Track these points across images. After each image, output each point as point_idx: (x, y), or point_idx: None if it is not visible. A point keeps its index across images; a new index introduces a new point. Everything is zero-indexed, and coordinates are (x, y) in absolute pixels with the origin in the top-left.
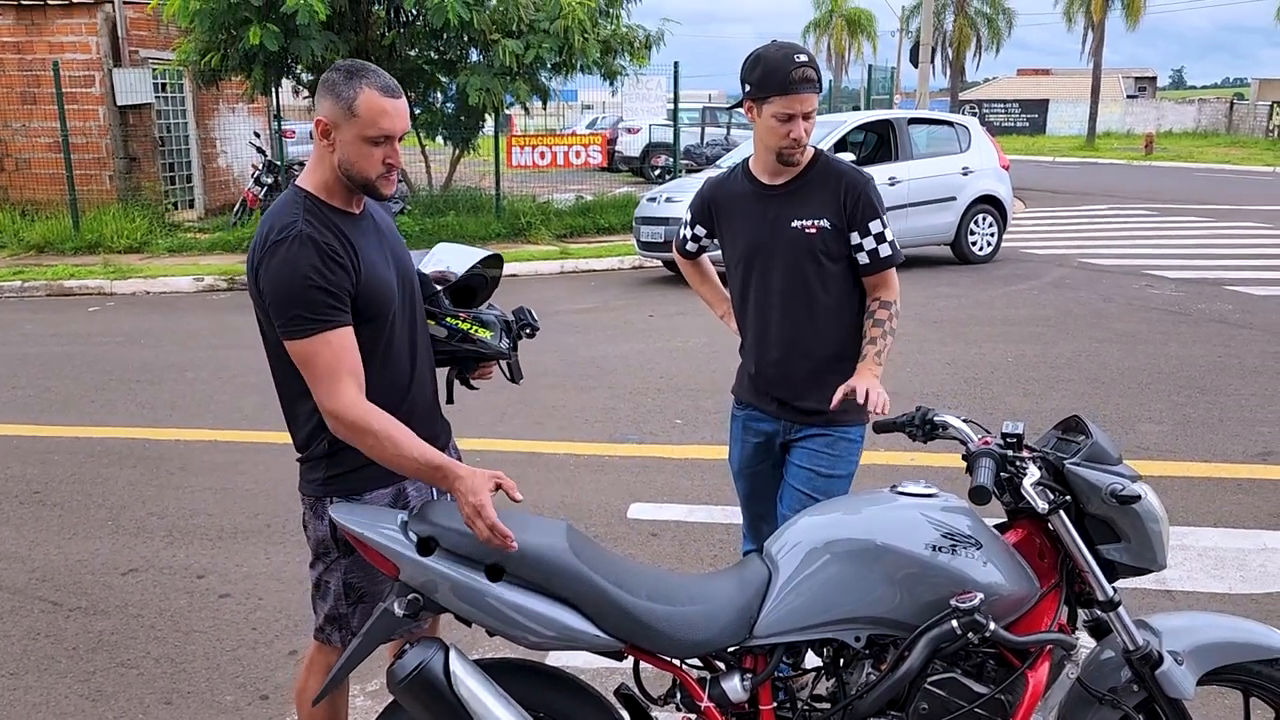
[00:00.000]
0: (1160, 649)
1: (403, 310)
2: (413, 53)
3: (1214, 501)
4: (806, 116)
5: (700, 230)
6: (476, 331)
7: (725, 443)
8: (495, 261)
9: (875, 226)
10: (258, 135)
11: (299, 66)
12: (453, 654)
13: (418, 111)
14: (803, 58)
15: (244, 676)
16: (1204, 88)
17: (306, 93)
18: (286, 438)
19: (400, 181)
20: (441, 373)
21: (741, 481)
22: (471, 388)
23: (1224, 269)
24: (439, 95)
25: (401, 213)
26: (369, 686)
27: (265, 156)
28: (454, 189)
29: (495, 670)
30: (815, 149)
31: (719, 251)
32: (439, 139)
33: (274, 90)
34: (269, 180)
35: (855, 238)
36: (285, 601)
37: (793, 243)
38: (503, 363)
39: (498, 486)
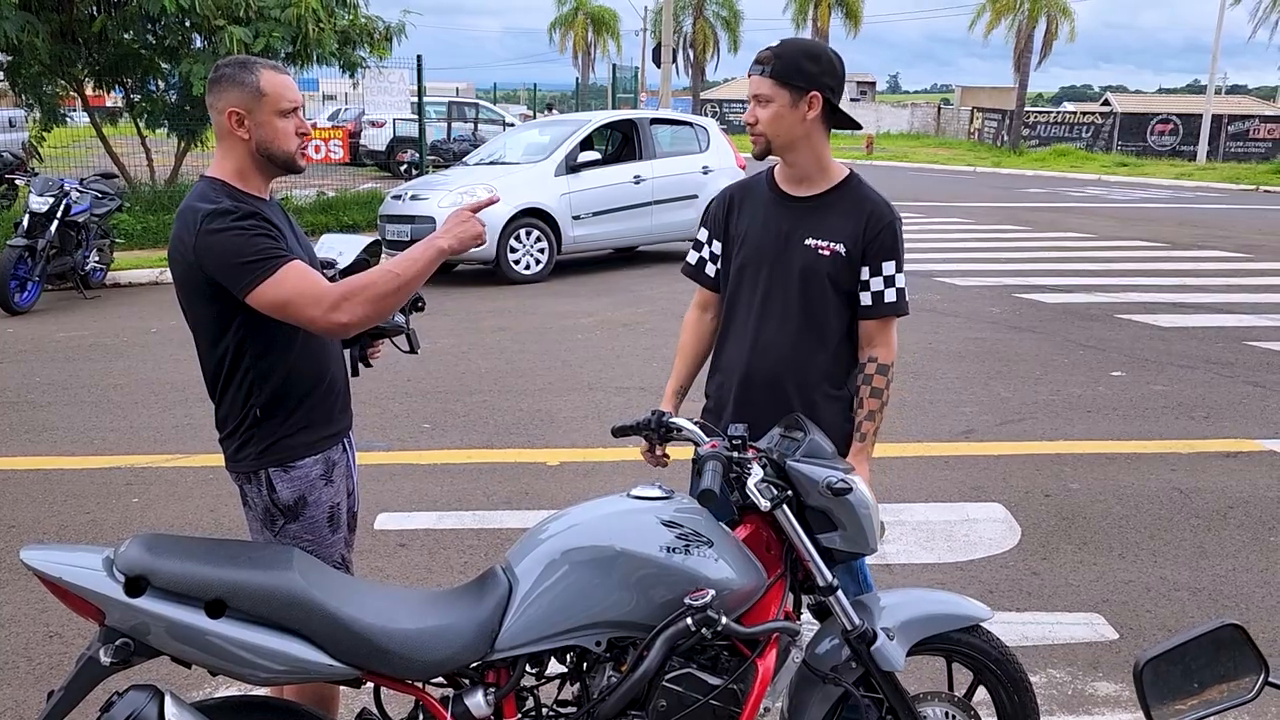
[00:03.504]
0: (874, 627)
1: None
2: (127, 36)
3: (925, 478)
4: (758, 101)
5: (718, 245)
6: None
7: (477, 445)
8: (375, 247)
9: (889, 268)
10: None
11: None
12: (168, 700)
13: (136, 99)
14: (774, 44)
15: None
16: (916, 93)
17: (1, 75)
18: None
19: (115, 177)
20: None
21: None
22: (369, 365)
23: (933, 261)
24: (160, 83)
25: (119, 209)
26: None
27: None
28: (181, 184)
29: (219, 711)
30: (850, 170)
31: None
32: (162, 130)
33: None
34: None
35: (865, 273)
36: None
37: (802, 261)
38: (398, 337)
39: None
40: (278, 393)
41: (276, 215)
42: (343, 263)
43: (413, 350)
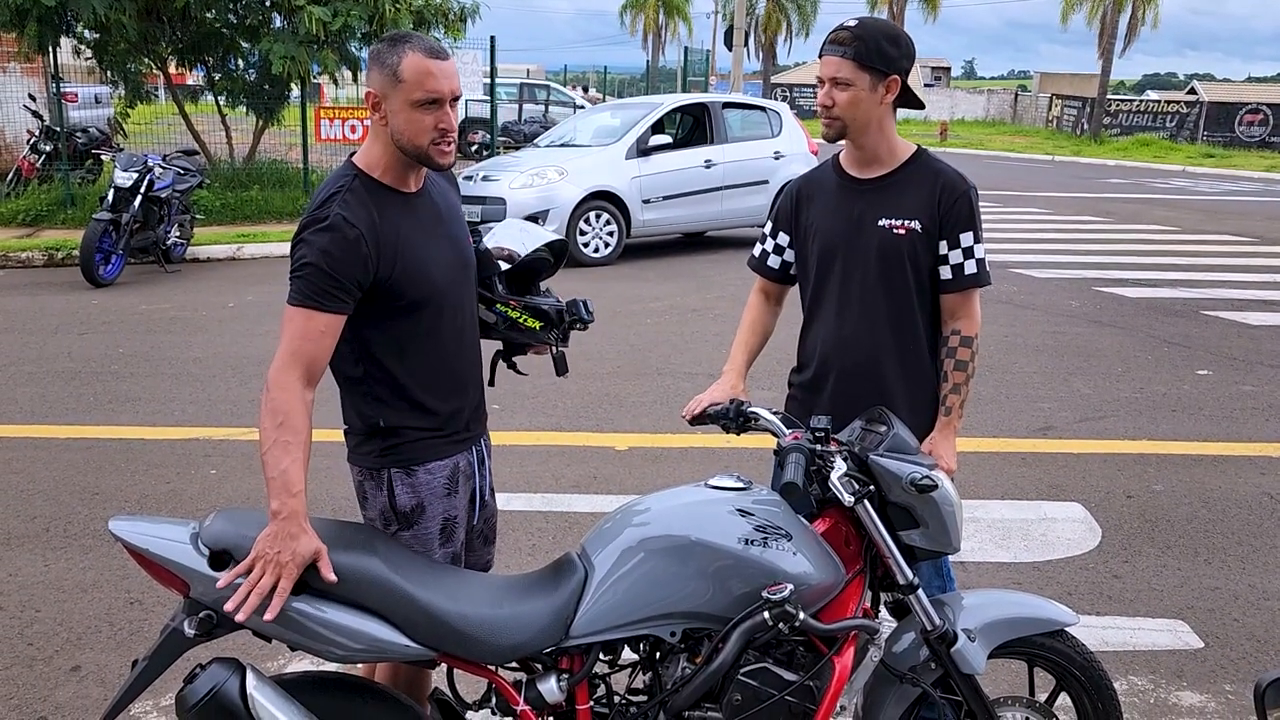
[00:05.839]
0: (955, 628)
1: (455, 296)
2: (210, 15)
3: (1001, 475)
4: (836, 83)
5: (784, 238)
6: (526, 321)
7: (545, 427)
8: (560, 248)
9: (966, 239)
10: (33, 98)
11: (80, 24)
12: (250, 674)
13: (216, 78)
14: (849, 22)
15: (19, 697)
16: (992, 79)
17: (89, 52)
18: (68, 431)
19: (196, 154)
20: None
21: None
22: (519, 373)
23: (1010, 252)
24: (240, 62)
25: (200, 186)
26: (163, 701)
27: (43, 122)
28: (258, 161)
29: (299, 686)
30: (918, 146)
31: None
32: (241, 108)
33: (52, 49)
34: (47, 147)
35: (943, 247)
36: (66, 613)
37: (879, 244)
38: (548, 353)
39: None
40: (401, 400)
41: (410, 213)
42: (520, 254)
43: (558, 372)
